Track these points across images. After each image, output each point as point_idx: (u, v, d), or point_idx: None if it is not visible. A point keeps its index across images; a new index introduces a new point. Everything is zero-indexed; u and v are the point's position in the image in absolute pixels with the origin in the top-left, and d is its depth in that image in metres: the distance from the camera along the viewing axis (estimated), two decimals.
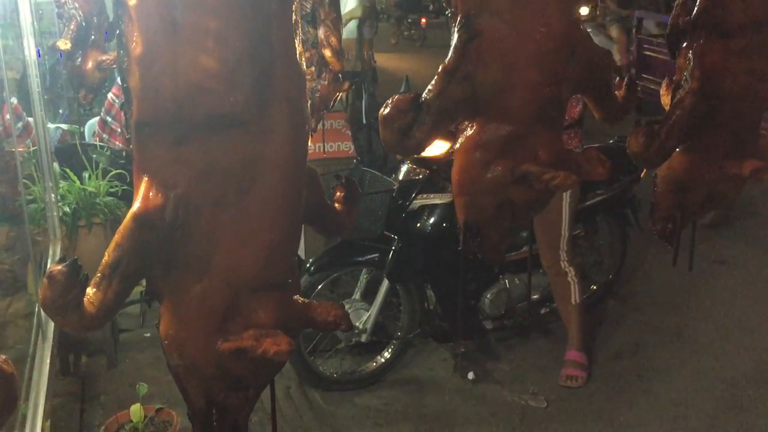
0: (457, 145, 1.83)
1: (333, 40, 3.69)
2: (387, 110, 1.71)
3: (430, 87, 1.74)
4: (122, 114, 4.52)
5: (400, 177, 4.64)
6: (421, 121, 1.71)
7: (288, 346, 1.49)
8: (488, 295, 4.90)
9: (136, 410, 3.43)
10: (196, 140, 1.47)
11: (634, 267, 5.85)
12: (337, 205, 1.94)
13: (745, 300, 5.56)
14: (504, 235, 1.91)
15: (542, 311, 5.15)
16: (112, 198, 4.10)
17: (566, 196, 4.88)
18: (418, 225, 4.60)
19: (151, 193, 1.46)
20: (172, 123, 1.46)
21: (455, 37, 1.74)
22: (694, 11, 1.95)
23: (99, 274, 1.44)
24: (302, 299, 1.66)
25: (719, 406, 4.34)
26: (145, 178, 1.47)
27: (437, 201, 4.58)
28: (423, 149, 1.78)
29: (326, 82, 3.76)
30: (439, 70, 1.74)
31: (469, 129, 1.80)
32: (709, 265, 6.04)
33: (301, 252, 5.15)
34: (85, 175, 4.21)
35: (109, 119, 4.67)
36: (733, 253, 6.28)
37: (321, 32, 3.69)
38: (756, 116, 2.05)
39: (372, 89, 7.15)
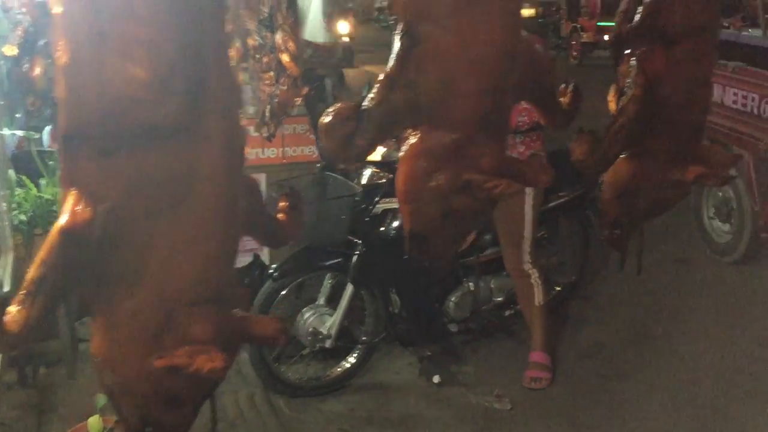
0: (401, 153, 1.79)
1: (291, 44, 3.64)
2: (328, 119, 1.66)
3: (371, 95, 1.69)
4: None
5: (364, 181, 4.59)
6: (362, 129, 1.66)
7: (223, 362, 1.43)
8: (453, 298, 4.87)
9: (94, 422, 3.34)
10: (126, 152, 1.41)
11: (596, 268, 5.84)
12: (280, 215, 1.89)
13: (705, 300, 5.57)
14: (449, 243, 1.87)
15: (506, 313, 5.13)
16: None
17: (529, 199, 4.85)
18: (382, 229, 4.56)
19: (78, 207, 1.40)
20: (100, 134, 1.40)
21: (397, 44, 1.70)
22: (637, 19, 1.93)
23: (23, 291, 1.38)
24: (241, 312, 1.61)
25: (680, 406, 4.33)
26: (73, 191, 1.41)
27: None
28: (365, 158, 1.74)
29: (285, 87, 3.71)
30: (381, 77, 1.70)
31: (412, 137, 1.76)
32: (671, 264, 6.06)
33: (266, 257, 5.10)
34: (43, 182, 4.12)
35: None
36: (693, 253, 6.31)
37: (279, 37, 3.64)
38: (699, 122, 2.03)
39: (337, 92, 7.05)
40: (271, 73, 3.67)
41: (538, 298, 4.78)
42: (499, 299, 5.07)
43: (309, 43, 5.10)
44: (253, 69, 3.78)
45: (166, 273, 1.47)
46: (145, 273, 1.46)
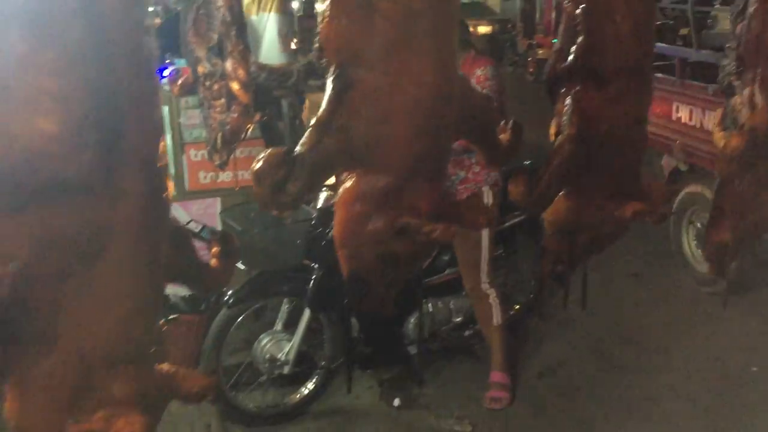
0: (337, 198, 1.72)
1: (240, 72, 3.55)
2: (258, 165, 1.58)
3: (303, 140, 1.62)
4: None
5: (319, 205, 4.51)
6: (295, 175, 1.59)
7: (142, 426, 1.35)
8: (412, 320, 4.80)
9: None
10: (36, 208, 1.32)
11: (555, 285, 5.81)
12: (213, 260, 1.81)
13: (662, 315, 5.58)
14: (390, 287, 1.81)
15: (466, 333, 5.07)
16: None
17: None
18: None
19: None
20: (8, 189, 1.31)
21: (328, 88, 1.63)
22: (570, 58, 1.88)
23: None
24: (166, 369, 1.52)
25: (639, 422, 4.31)
26: None
27: None
28: (300, 204, 1.66)
29: (235, 115, 3.62)
30: (312, 122, 1.63)
31: (348, 181, 1.69)
32: (627, 279, 6.07)
33: None
34: None
35: None
36: (648, 268, 6.32)
37: (228, 64, 3.55)
38: (635, 158, 1.99)
39: (295, 112, 6.96)
40: (222, 101, 3.58)
41: (497, 317, 4.74)
42: (459, 319, 5.01)
43: (263, 66, 5.00)
44: (204, 96, 3.69)
45: (83, 333, 1.38)
46: (61, 333, 1.37)
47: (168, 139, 5.10)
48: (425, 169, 1.71)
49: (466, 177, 4.83)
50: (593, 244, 2.05)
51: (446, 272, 4.96)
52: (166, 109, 5.02)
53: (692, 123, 5.89)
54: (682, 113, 5.99)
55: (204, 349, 4.27)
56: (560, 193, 1.95)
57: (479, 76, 4.63)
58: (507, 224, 5.02)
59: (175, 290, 4.65)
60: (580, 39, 1.86)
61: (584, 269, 2.16)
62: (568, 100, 1.90)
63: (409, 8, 1.61)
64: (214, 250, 1.82)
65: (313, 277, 4.35)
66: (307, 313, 4.38)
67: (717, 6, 6.60)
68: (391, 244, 1.71)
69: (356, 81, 1.61)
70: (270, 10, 5.44)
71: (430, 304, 4.86)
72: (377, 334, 4.69)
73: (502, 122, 2.01)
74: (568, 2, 1.88)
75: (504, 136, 1.99)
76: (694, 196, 5.81)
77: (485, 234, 4.76)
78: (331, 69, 1.63)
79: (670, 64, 6.30)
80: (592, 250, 2.11)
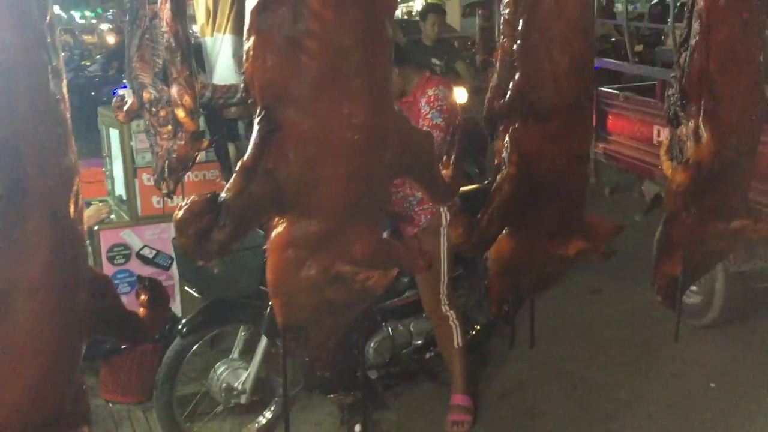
0: (269, 244, 1.63)
1: (187, 99, 3.43)
2: (180, 213, 1.48)
3: (228, 186, 1.52)
4: None
5: None
6: (221, 223, 1.49)
7: None
8: (372, 344, 4.71)
9: None
10: None
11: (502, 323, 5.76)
12: (141, 309, 1.70)
13: (621, 331, 5.53)
14: (329, 335, 1.71)
15: (427, 356, 4.98)
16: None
17: (444, 240, 4.75)
18: None
19: None
20: None
21: (255, 130, 1.54)
22: (509, 94, 1.80)
23: None
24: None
25: None
26: None
27: None
28: (227, 253, 1.57)
29: (182, 142, 3.50)
30: (238, 166, 1.53)
31: (279, 226, 1.60)
32: (586, 296, 6.03)
33: (177, 309, 4.87)
34: None
35: None
36: (607, 284, 6.27)
37: (174, 91, 3.44)
38: (578, 195, 1.92)
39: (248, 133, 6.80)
40: (169, 127, 3.47)
41: (457, 340, 4.66)
42: (419, 342, 4.91)
43: (206, 85, 4.87)
44: (150, 123, 3.57)
45: None
46: None
47: (119, 163, 4.97)
48: (360, 212, 1.62)
49: (422, 198, 4.76)
50: (538, 283, 1.97)
51: (406, 294, 4.88)
52: (116, 133, 4.90)
53: None
54: (664, 137, 5.81)
55: (157, 378, 4.15)
56: (502, 233, 1.87)
57: (430, 96, 4.56)
58: None
59: None
60: (517, 75, 1.79)
61: (531, 306, 2.09)
62: (506, 138, 1.82)
63: (338, 46, 1.52)
64: (142, 298, 1.71)
65: (270, 303, 4.24)
66: (264, 341, 4.27)
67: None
68: (326, 292, 1.63)
69: (283, 123, 1.52)
70: (225, 32, 5.33)
71: (389, 327, 4.76)
72: (336, 359, 4.57)
73: (445, 158, 1.94)
74: (504, 38, 1.81)
75: (446, 173, 1.92)
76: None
77: (443, 255, 4.69)
78: (257, 110, 1.54)
79: (651, 85, 6.10)
80: (537, 289, 2.04)
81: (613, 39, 10.65)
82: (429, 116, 4.61)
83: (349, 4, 1.51)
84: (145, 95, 3.53)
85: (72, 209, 1.41)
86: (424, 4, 30.55)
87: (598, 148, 6.49)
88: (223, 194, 1.52)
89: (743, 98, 2.02)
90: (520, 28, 1.77)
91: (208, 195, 1.51)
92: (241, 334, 4.41)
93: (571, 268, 6.19)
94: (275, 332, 4.26)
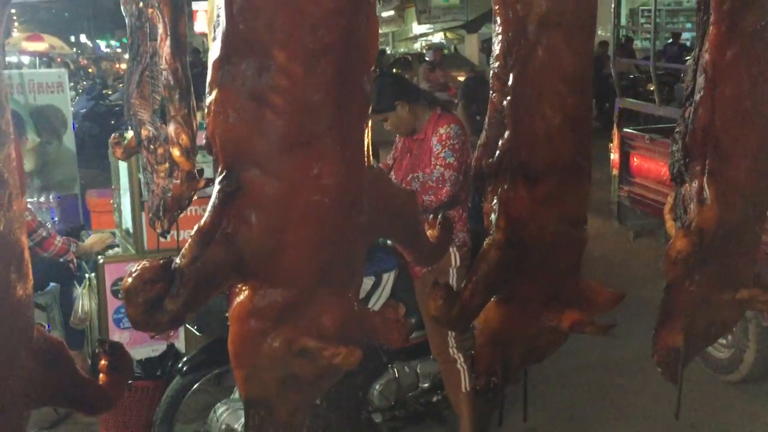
0: (230, 313, 1.50)
1: (183, 138, 3.31)
2: (129, 281, 1.36)
3: (183, 251, 1.40)
4: None
5: None
6: (174, 292, 1.36)
7: None
8: (377, 386, 4.54)
9: None
10: None
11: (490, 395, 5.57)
12: (101, 375, 1.57)
13: (636, 378, 5.32)
14: (296, 411, 1.57)
15: (435, 399, 4.81)
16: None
17: (452, 281, 4.61)
18: None
19: None
20: None
21: (215, 192, 1.41)
22: (497, 153, 1.65)
23: None
24: None
25: None
26: None
27: None
28: (180, 325, 1.44)
29: (178, 181, 3.40)
30: (194, 231, 1.41)
31: (241, 294, 1.46)
32: (600, 339, 5.81)
33: (181, 346, 4.75)
34: None
35: None
36: (623, 324, 6.06)
37: (171, 129, 3.35)
38: (573, 262, 1.75)
39: None
40: (166, 165, 3.38)
41: (465, 383, 4.49)
42: (426, 385, 4.74)
43: None
44: (147, 160, 3.48)
45: None
46: None
47: (127, 196, 4.90)
48: (330, 280, 1.48)
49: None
50: (530, 355, 1.82)
51: (413, 335, 4.71)
52: (125, 166, 4.83)
53: None
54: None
55: (155, 418, 4.02)
56: (491, 301, 1.72)
57: (442, 134, 4.44)
58: None
59: (131, 354, 4.42)
60: (506, 133, 1.64)
61: (525, 378, 1.94)
62: (494, 201, 1.67)
63: (306, 103, 1.39)
64: (102, 363, 1.59)
65: None
66: None
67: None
68: (292, 365, 1.49)
69: (246, 184, 1.40)
70: None
71: (395, 369, 4.59)
72: (340, 401, 4.43)
73: (431, 216, 1.80)
74: (493, 93, 1.67)
75: (432, 233, 1.78)
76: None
77: None
78: (219, 169, 1.42)
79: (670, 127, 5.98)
80: (529, 362, 1.89)
81: (632, 76, 10.51)
82: (441, 155, 4.49)
83: (319, 58, 1.39)
84: (143, 132, 3.43)
85: (10, 270, 1.29)
86: (443, 38, 30.80)
87: (622, 191, 6.29)
88: (177, 260, 1.39)
89: (751, 158, 1.85)
90: (510, 82, 1.63)
91: (161, 261, 1.38)
92: None
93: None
94: None
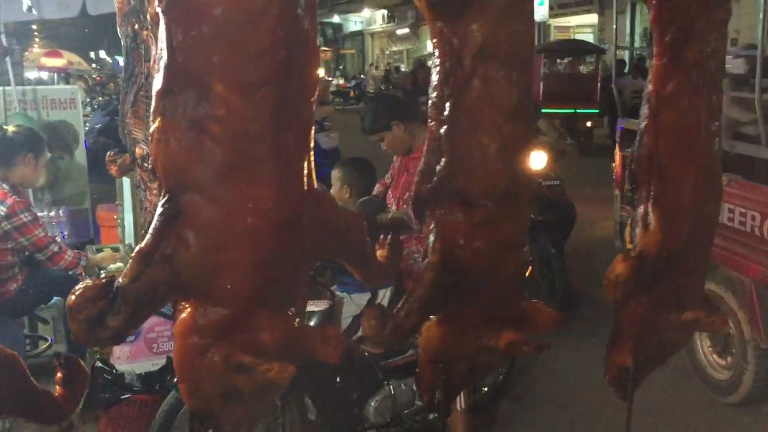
0: (174, 329, 1.58)
1: None
2: (72, 298, 1.45)
3: (125, 271, 1.49)
4: None
5: None
6: (116, 309, 1.45)
7: None
8: (372, 403, 4.58)
9: None
10: None
11: (525, 366, 5.59)
12: (57, 387, 1.66)
13: (641, 396, 5.30)
14: (239, 424, 1.65)
15: (430, 417, 4.85)
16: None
17: None
18: None
19: None
20: None
21: (156, 214, 1.50)
22: (435, 179, 1.72)
23: None
24: None
25: None
26: None
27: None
28: (123, 340, 1.53)
29: None
30: (135, 252, 1.50)
31: (184, 311, 1.55)
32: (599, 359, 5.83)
33: None
34: None
35: None
36: None
37: None
38: (512, 283, 1.81)
39: None
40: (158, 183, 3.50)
41: (460, 402, 4.53)
42: (421, 402, 4.80)
43: None
44: (140, 178, 3.60)
45: None
46: None
47: (130, 212, 5.03)
48: (267, 299, 1.56)
49: None
50: (471, 372, 1.88)
51: (409, 352, 4.76)
52: (128, 182, 4.96)
53: None
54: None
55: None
56: (430, 320, 1.79)
57: None
58: None
59: (131, 368, 4.52)
60: (443, 160, 1.71)
61: (471, 393, 1.98)
62: (432, 224, 1.74)
63: (243, 131, 1.48)
64: (57, 376, 1.68)
65: None
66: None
67: None
68: (233, 380, 1.57)
69: (186, 207, 1.48)
70: None
71: (391, 386, 4.64)
72: (335, 417, 4.49)
73: (381, 237, 1.87)
74: (431, 122, 1.74)
75: (381, 253, 1.85)
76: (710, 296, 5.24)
77: None
78: (162, 193, 1.51)
79: None
80: (471, 379, 1.95)
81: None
82: None
83: (255, 90, 1.47)
84: (138, 151, 3.56)
85: None
86: None
87: (624, 211, 6.27)
88: (119, 279, 1.48)
89: (694, 185, 1.91)
90: (446, 112, 1.70)
91: (104, 279, 1.47)
92: None
93: (589, 328, 5.99)
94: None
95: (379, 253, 1.83)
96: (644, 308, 1.95)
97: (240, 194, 1.50)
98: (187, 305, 1.55)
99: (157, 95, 1.48)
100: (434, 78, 1.71)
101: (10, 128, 4.60)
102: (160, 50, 1.47)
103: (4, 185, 4.31)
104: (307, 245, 1.61)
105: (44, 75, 20.73)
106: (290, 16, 1.49)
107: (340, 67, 36.42)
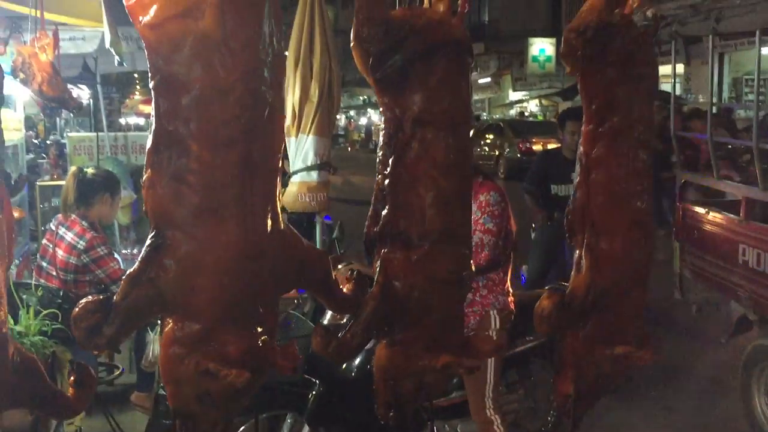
0: (161, 339, 1.96)
1: None
2: (76, 310, 1.86)
3: (119, 290, 1.89)
4: (56, 257, 4.68)
5: (326, 321, 4.69)
6: (110, 320, 1.85)
7: None
8: None
9: None
10: None
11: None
12: (70, 389, 2.07)
13: None
14: (215, 423, 2.00)
15: None
16: (40, 338, 4.26)
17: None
18: (342, 368, 4.60)
19: None
20: None
21: (146, 245, 1.90)
22: (380, 223, 2.07)
23: None
24: None
25: None
26: None
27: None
28: (117, 345, 1.92)
29: None
30: (125, 275, 1.90)
31: (167, 325, 1.94)
32: (658, 411, 5.86)
33: None
34: (21, 313, 4.42)
35: (44, 264, 4.94)
36: (683, 402, 6.06)
37: None
38: (450, 313, 2.11)
39: None
40: None
41: None
42: None
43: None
44: None
45: None
46: None
47: None
48: (235, 318, 1.93)
49: (473, 300, 4.92)
50: (419, 392, 2.16)
51: (453, 395, 4.97)
52: None
53: (761, 268, 5.20)
54: (749, 257, 5.41)
55: None
56: (382, 343, 2.11)
57: (482, 201, 4.80)
58: (519, 349, 5.02)
59: None
60: (387, 207, 2.06)
61: (427, 411, 2.25)
62: (377, 262, 2.08)
63: (213, 181, 1.87)
64: (71, 379, 2.08)
65: (314, 392, 4.48)
66: (305, 430, 4.49)
67: None
68: (206, 384, 1.93)
69: (169, 241, 1.88)
70: (309, 133, 5.86)
71: (435, 427, 4.84)
72: None
73: (349, 272, 2.21)
74: (378, 174, 2.09)
75: (348, 287, 2.19)
76: (765, 349, 5.16)
77: (490, 358, 4.83)
78: (150, 229, 1.91)
79: (737, 201, 5.83)
80: (421, 398, 2.23)
81: (729, 146, 10.31)
82: (481, 221, 4.82)
83: (224, 148, 1.87)
84: None
85: None
86: (538, 105, 30.74)
87: (684, 263, 6.34)
88: (115, 297, 1.88)
89: (621, 234, 2.17)
90: (389, 167, 2.05)
91: (102, 297, 1.88)
92: (288, 421, 4.65)
93: (644, 384, 5.98)
94: (318, 422, 4.49)
95: (346, 287, 2.17)
96: (581, 342, 2.21)
97: (211, 231, 1.88)
98: (169, 320, 1.93)
99: (147, 152, 1.89)
100: (381, 139, 2.07)
101: (89, 170, 5.13)
102: (152, 117, 1.88)
103: (83, 222, 4.85)
104: (272, 275, 1.98)
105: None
106: (254, 92, 1.89)
107: None
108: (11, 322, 4.35)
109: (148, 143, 1.89)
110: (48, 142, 14.10)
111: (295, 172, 6.00)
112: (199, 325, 1.91)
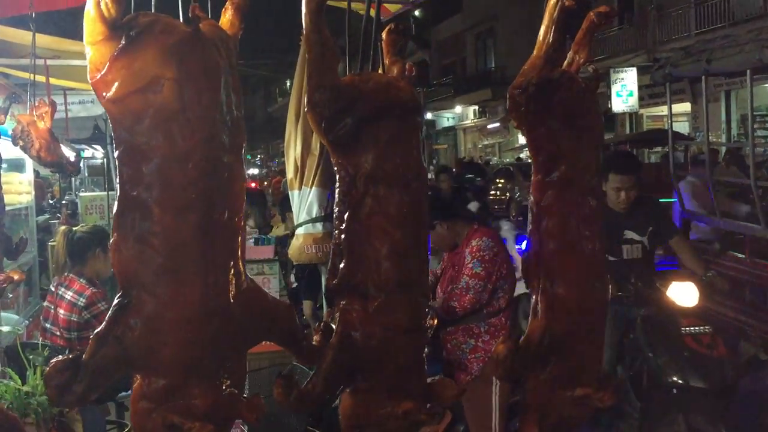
0: (131, 395, 2.06)
1: None
2: (47, 369, 1.96)
3: (87, 348, 1.99)
4: (58, 316, 4.82)
5: None
6: (80, 378, 1.95)
7: None
8: None
9: None
10: None
11: None
12: None
13: None
14: None
15: None
16: (47, 397, 4.36)
17: (496, 389, 4.96)
18: None
19: None
20: None
21: (112, 305, 2.01)
22: (338, 275, 2.17)
23: None
24: None
25: None
26: None
27: None
28: (87, 402, 2.01)
29: None
30: (93, 334, 2.00)
31: (136, 381, 2.03)
32: None
33: None
34: (29, 374, 4.53)
35: (48, 326, 5.06)
36: None
37: None
38: (410, 361, 2.19)
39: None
40: None
41: None
42: None
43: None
44: None
45: None
46: None
47: None
48: (201, 373, 2.02)
49: (475, 346, 5.03)
50: None
51: None
52: None
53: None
54: (756, 296, 5.47)
55: None
56: (346, 392, 2.19)
57: (473, 246, 4.96)
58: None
59: None
60: (344, 260, 2.16)
61: None
62: (336, 313, 2.17)
63: (175, 242, 1.97)
64: None
65: None
66: None
67: None
68: None
69: (134, 301, 1.98)
70: (312, 186, 6.01)
71: None
72: None
73: (317, 324, 2.30)
74: (336, 231, 2.19)
75: (317, 338, 2.28)
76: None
77: (495, 405, 4.89)
78: (118, 289, 2.02)
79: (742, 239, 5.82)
80: None
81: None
82: (470, 265, 4.95)
83: (185, 212, 1.98)
84: None
85: None
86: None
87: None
88: (84, 355, 1.98)
89: (576, 280, 2.26)
90: (345, 223, 2.16)
91: (71, 356, 1.98)
92: None
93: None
94: None
95: (315, 338, 2.26)
96: (541, 384, 2.28)
97: (173, 291, 1.99)
98: (138, 377, 2.03)
99: (114, 216, 2.01)
100: (336, 196, 2.18)
101: (78, 229, 5.29)
102: (117, 183, 2.01)
103: (82, 279, 4.99)
104: (236, 329, 2.07)
105: None
106: (212, 157, 2.01)
107: (434, 162, 37.89)
108: (18, 382, 4.47)
109: (115, 208, 2.01)
110: (63, 202, 14.40)
111: (300, 225, 6.14)
112: (165, 381, 2.00)
